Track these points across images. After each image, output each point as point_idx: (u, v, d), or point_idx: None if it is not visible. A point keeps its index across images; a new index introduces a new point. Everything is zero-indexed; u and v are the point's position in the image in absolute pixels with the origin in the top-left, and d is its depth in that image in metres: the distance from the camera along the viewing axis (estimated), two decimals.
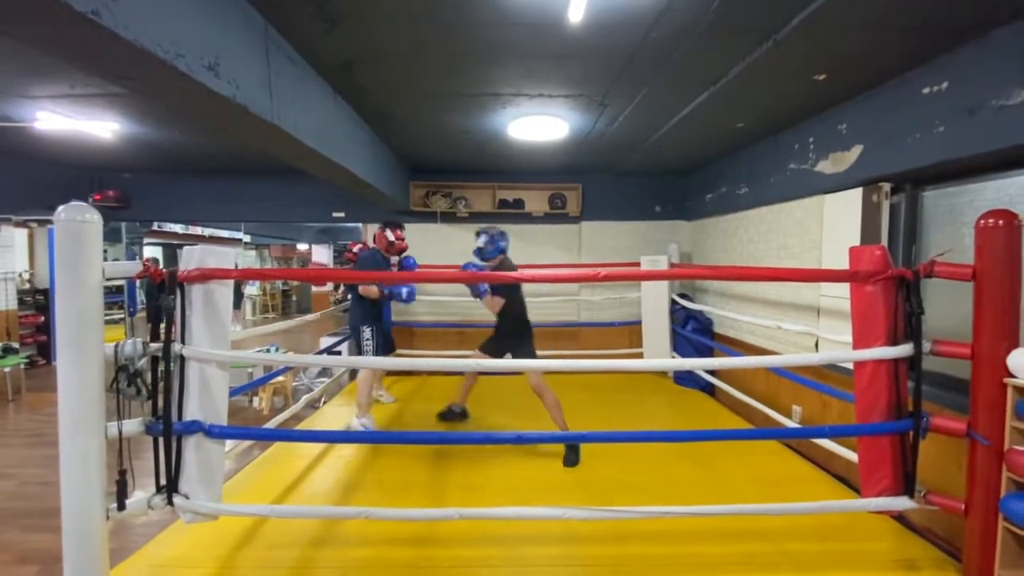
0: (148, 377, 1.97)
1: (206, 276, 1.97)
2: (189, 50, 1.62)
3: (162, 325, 1.96)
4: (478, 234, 3.47)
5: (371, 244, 4.66)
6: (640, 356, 5.43)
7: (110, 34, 1.32)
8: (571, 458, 3.15)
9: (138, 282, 1.96)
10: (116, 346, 1.91)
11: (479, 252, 3.42)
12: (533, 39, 2.35)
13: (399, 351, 5.48)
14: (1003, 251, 1.87)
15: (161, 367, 1.98)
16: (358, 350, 3.92)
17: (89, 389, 1.84)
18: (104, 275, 1.88)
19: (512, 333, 3.55)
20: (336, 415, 4.26)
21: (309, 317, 4.61)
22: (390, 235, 3.91)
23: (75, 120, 3.68)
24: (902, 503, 2.05)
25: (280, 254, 16.04)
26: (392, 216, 5.35)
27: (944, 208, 2.71)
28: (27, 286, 7.11)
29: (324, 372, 5.76)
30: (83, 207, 1.83)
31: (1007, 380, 1.82)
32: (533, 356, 3.56)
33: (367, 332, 3.85)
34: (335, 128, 3.09)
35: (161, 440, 1.98)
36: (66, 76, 2.83)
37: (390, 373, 5.42)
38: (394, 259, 4.05)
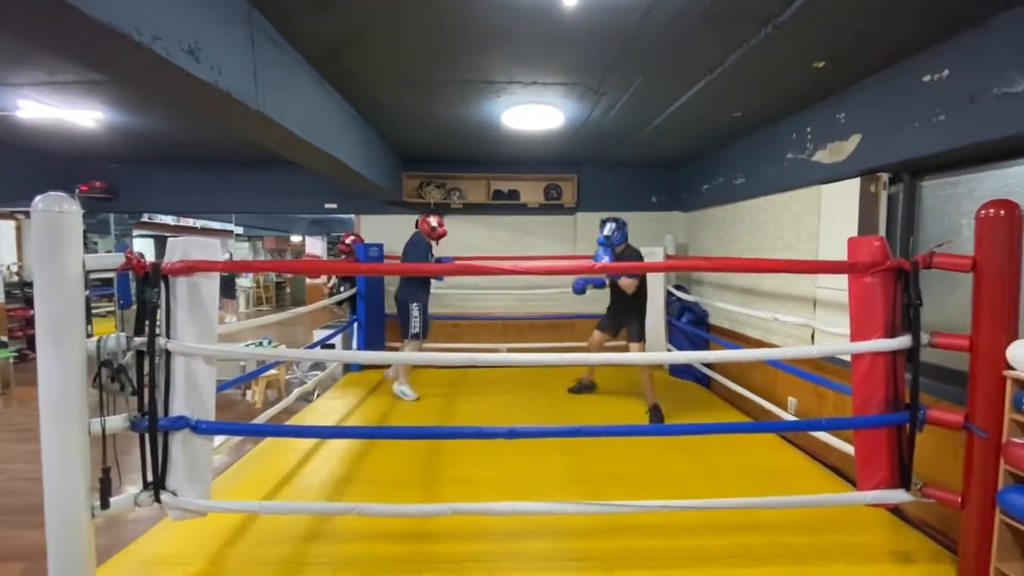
0: (133, 372, 1.93)
1: (191, 268, 1.92)
2: (167, 33, 1.55)
3: (149, 319, 1.91)
4: (603, 223, 3.87)
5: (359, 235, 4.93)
6: None
7: (79, 15, 1.26)
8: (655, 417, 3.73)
9: (130, 274, 1.91)
10: (98, 341, 1.86)
11: (607, 240, 3.82)
12: (526, 23, 2.29)
13: (391, 344, 5.45)
14: (1003, 242, 1.84)
15: (147, 361, 1.93)
16: (404, 325, 4.26)
17: (70, 385, 1.79)
18: (85, 267, 1.83)
19: (638, 316, 4.00)
20: (329, 408, 4.23)
21: (301, 310, 4.55)
22: (433, 221, 4.30)
23: (58, 108, 3.60)
24: (898, 496, 2.04)
25: (274, 246, 15.94)
26: (378, 206, 5.32)
27: (943, 198, 2.68)
28: (15, 279, 7.01)
29: (317, 365, 5.71)
30: (61, 197, 1.77)
31: (1006, 372, 1.80)
32: (643, 334, 4.01)
33: (415, 309, 4.23)
34: (324, 116, 3.02)
35: (147, 436, 1.94)
36: (44, 63, 2.74)
37: (382, 366, 5.39)
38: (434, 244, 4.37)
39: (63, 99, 3.42)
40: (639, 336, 3.93)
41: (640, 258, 3.98)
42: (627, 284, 3.80)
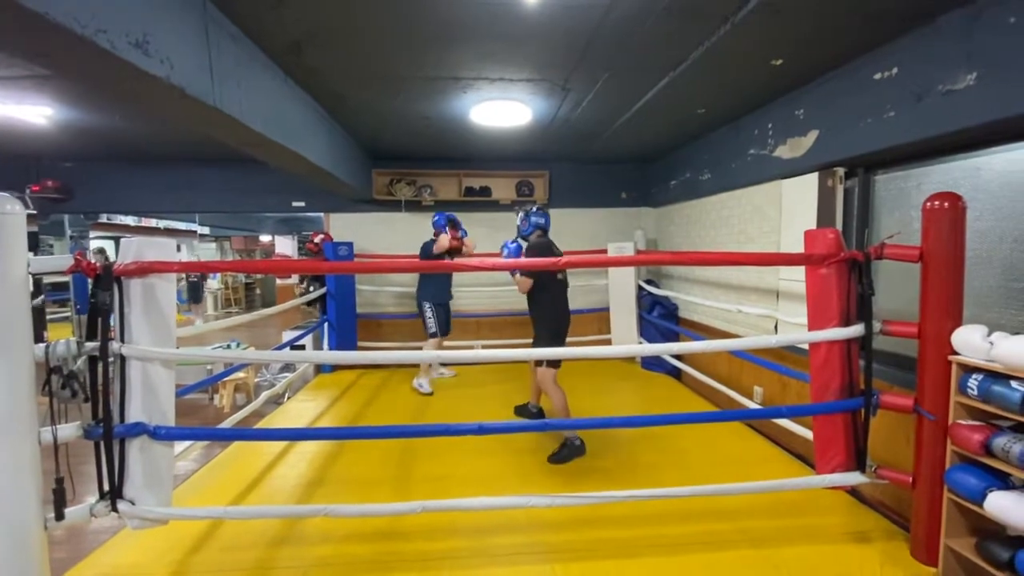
0: (86, 378, 1.86)
1: (145, 270, 1.86)
2: (112, 25, 1.49)
3: (101, 323, 1.85)
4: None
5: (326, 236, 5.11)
6: (608, 342, 5.48)
7: (13, 4, 1.20)
8: (562, 455, 3.00)
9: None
10: (47, 346, 1.79)
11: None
12: (490, 18, 2.28)
13: (363, 343, 5.38)
14: (948, 233, 1.93)
15: (100, 367, 1.87)
16: (423, 325, 4.48)
17: (18, 392, 1.72)
18: (30, 269, 1.76)
19: (537, 320, 3.29)
20: (300, 411, 4.16)
21: (269, 311, 4.42)
22: (444, 239, 4.34)
23: (3, 105, 3.43)
24: (854, 478, 2.12)
25: (242, 246, 15.52)
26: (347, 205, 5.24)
27: (894, 192, 2.78)
28: None
29: (288, 367, 5.60)
30: (3, 197, 1.70)
31: (951, 357, 1.89)
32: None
33: (428, 310, 4.42)
34: (287, 113, 2.95)
35: (102, 444, 1.88)
36: None
37: (354, 367, 5.32)
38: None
39: (9, 95, 3.26)
40: (541, 347, 3.13)
41: (543, 253, 3.18)
42: (518, 283, 3.20)
